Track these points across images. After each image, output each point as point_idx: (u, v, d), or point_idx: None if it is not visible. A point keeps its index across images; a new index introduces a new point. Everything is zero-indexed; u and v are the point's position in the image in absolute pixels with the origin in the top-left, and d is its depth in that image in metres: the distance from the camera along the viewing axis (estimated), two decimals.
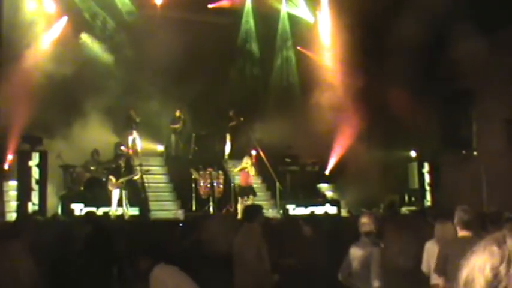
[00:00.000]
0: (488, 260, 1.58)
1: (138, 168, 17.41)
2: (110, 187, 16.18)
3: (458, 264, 1.61)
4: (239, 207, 16.74)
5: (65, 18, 19.11)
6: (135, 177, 16.98)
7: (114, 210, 15.83)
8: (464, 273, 1.61)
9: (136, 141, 19.39)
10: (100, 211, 15.94)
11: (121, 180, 16.23)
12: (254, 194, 17.10)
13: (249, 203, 16.43)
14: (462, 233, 5.91)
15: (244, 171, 17.23)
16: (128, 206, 16.20)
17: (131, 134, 19.31)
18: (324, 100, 20.07)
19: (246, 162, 17.22)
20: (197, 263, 6.49)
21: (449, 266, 5.67)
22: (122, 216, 15.54)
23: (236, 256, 7.48)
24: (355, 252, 6.64)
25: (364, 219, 6.79)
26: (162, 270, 5.33)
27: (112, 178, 16.21)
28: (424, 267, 6.98)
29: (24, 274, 6.03)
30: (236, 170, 17.80)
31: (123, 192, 16.17)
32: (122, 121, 19.40)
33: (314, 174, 20.43)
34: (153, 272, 5.26)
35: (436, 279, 6.32)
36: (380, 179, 18.81)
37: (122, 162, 16.84)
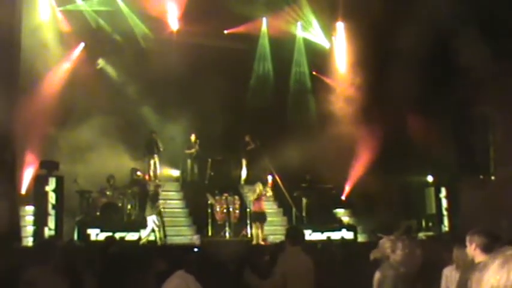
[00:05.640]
0: (502, 278, 1.56)
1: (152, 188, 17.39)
2: (147, 213, 16.25)
3: None
4: (254, 232, 16.77)
5: (82, 44, 19.39)
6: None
7: (145, 235, 15.99)
8: None
9: (157, 165, 19.43)
10: (116, 236, 15.97)
11: (158, 205, 16.33)
12: (264, 220, 16.98)
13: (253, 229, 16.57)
14: (482, 257, 5.78)
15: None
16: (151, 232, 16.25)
17: (153, 158, 19.36)
18: (340, 125, 20.05)
19: (260, 189, 17.11)
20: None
21: None
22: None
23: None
24: (375, 276, 6.60)
25: (380, 244, 6.73)
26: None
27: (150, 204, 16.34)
28: None
29: None
30: (251, 198, 17.75)
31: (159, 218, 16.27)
32: (143, 145, 19.47)
33: (330, 199, 20.33)
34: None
35: None
36: (397, 204, 18.69)
37: (137, 188, 16.87)
